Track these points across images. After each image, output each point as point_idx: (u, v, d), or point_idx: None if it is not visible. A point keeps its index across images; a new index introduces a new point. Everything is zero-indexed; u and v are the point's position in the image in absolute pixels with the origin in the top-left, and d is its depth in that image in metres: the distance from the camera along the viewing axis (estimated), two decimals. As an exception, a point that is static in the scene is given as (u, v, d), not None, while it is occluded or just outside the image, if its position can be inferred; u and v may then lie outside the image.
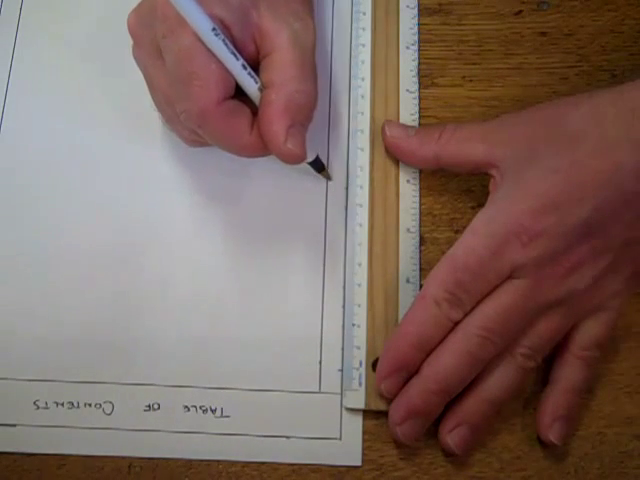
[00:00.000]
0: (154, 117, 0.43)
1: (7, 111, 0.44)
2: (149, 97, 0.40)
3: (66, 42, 0.45)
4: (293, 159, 0.37)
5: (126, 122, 0.44)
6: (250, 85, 0.37)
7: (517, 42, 0.45)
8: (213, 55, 0.35)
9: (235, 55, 0.36)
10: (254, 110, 0.37)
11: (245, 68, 0.36)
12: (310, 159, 0.40)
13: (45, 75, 0.45)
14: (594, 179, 0.35)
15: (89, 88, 0.44)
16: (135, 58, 0.39)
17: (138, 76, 0.40)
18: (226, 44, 0.35)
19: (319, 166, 0.41)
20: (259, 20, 0.37)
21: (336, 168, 0.43)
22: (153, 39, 0.37)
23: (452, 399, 0.37)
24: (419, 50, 0.45)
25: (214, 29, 0.35)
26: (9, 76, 0.44)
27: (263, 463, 0.38)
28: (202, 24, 0.35)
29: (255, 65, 0.37)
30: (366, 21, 0.45)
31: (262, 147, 0.37)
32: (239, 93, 0.37)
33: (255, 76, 0.37)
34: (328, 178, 0.42)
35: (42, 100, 0.44)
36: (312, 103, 0.38)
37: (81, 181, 0.43)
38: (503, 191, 0.37)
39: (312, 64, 0.38)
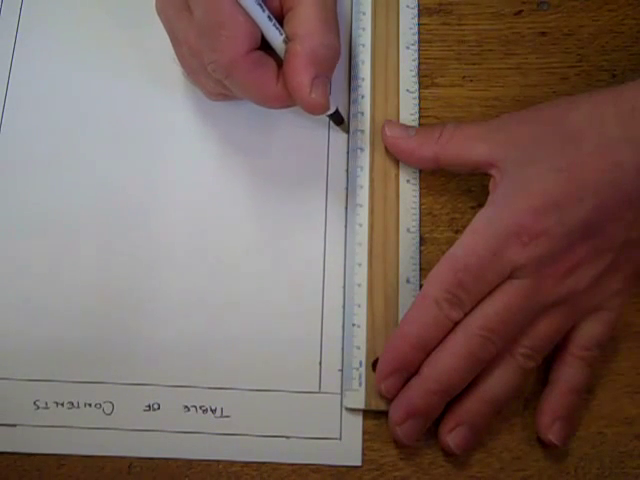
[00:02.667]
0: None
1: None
2: (170, 51, 0.41)
3: None
4: (317, 109, 0.38)
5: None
6: (275, 37, 0.38)
7: (517, 42, 0.45)
8: (240, 6, 0.36)
9: (261, 6, 0.37)
10: (278, 63, 0.38)
11: (270, 20, 0.37)
12: (330, 111, 0.41)
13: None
14: (594, 179, 0.35)
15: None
16: (158, 11, 0.40)
17: (159, 30, 0.40)
18: None
19: (338, 119, 0.42)
20: None
21: (336, 168, 0.43)
22: None
23: (452, 399, 0.37)
24: (419, 50, 0.45)
25: None
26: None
27: (263, 463, 0.38)
28: None
29: (278, 20, 0.38)
30: (366, 21, 0.45)
31: (287, 98, 0.38)
32: (263, 47, 0.38)
33: (280, 28, 0.38)
34: (346, 131, 0.43)
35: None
36: (336, 56, 0.39)
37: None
38: (503, 191, 0.37)
39: (334, 18, 0.39)
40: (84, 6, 0.46)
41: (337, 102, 0.42)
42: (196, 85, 0.43)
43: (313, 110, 0.38)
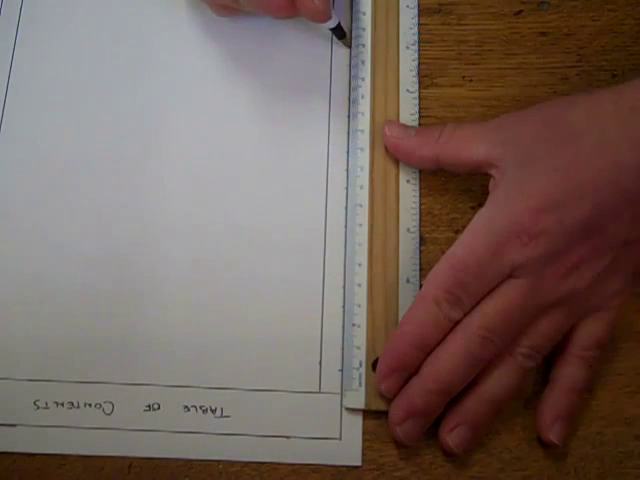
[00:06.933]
0: None
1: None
2: None
3: None
4: (319, 16, 0.40)
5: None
6: None
7: (517, 42, 0.45)
8: None
9: None
10: None
11: None
12: (333, 25, 0.43)
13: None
14: (594, 178, 0.35)
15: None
16: None
17: None
18: None
19: (340, 33, 0.44)
20: None
21: (336, 168, 0.43)
22: None
23: (452, 399, 0.37)
24: (419, 50, 0.45)
25: None
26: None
27: (263, 463, 0.38)
28: None
29: None
30: (366, 21, 0.45)
31: (291, 5, 0.40)
32: None
33: None
34: (348, 45, 0.45)
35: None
36: None
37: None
38: (503, 191, 0.37)
39: None
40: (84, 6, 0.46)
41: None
42: (203, 0, 0.44)
43: (315, 17, 0.40)
